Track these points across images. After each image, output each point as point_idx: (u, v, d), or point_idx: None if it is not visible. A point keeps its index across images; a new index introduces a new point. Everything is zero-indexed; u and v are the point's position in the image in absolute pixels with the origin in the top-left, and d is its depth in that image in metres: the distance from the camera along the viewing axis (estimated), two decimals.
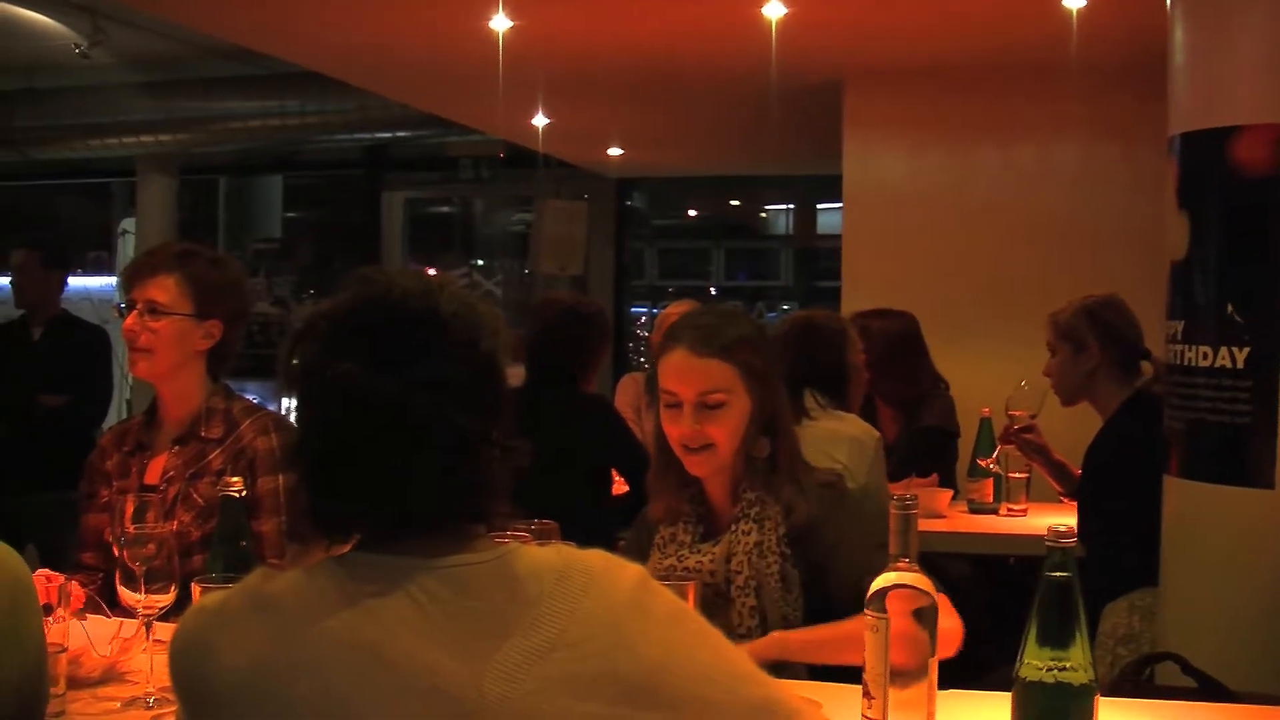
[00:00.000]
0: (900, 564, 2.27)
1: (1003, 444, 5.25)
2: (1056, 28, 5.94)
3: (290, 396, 1.79)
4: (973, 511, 5.61)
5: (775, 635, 2.81)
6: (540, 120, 8.90)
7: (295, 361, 1.78)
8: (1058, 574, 2.06)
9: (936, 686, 2.29)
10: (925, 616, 2.25)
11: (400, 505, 1.72)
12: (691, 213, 17.99)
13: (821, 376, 4.49)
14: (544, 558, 1.76)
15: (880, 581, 2.26)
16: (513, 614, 1.68)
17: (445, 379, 1.72)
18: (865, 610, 2.27)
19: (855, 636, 2.64)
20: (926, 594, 2.25)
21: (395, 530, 1.73)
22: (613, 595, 1.73)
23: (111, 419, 7.36)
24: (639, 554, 3.10)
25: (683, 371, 2.97)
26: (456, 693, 1.63)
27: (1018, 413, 5.09)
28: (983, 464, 5.56)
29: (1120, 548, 4.32)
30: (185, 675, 1.73)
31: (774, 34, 6.14)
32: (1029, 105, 7.24)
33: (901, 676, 2.23)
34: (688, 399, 2.95)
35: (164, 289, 3.49)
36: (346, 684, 1.63)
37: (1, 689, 1.65)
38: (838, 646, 2.71)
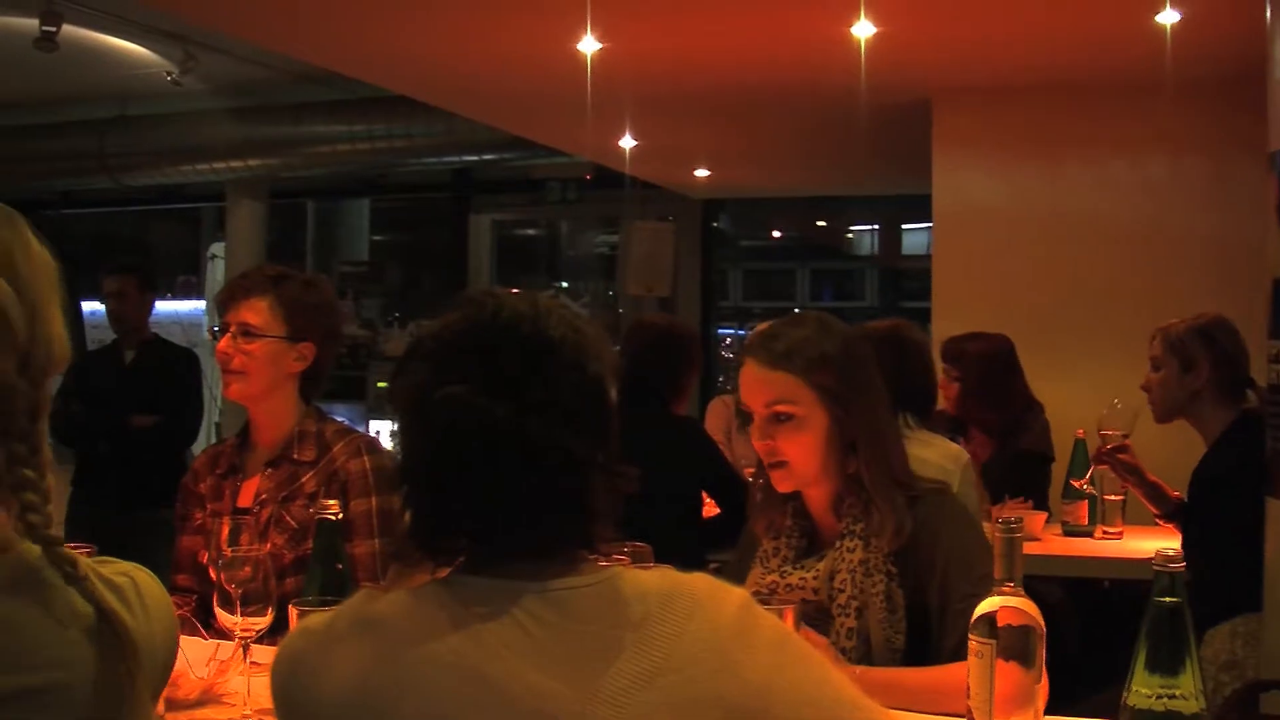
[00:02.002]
0: (1005, 588, 2.23)
1: (1096, 464, 5.17)
2: (1149, 43, 5.87)
3: (397, 418, 1.78)
4: (1067, 534, 5.55)
5: (857, 671, 2.72)
6: (627, 142, 8.90)
7: (403, 383, 1.76)
8: (1167, 599, 2.01)
9: (1042, 714, 2.25)
10: (1031, 641, 2.20)
11: (507, 528, 1.72)
12: (775, 233, 17.97)
13: (910, 394, 4.41)
14: (649, 581, 1.75)
15: (985, 606, 2.22)
16: (618, 638, 1.67)
17: (554, 402, 1.71)
18: (970, 635, 2.23)
19: (939, 688, 2.61)
20: (1032, 618, 2.20)
21: (501, 553, 1.72)
22: (717, 619, 1.72)
23: (201, 441, 7.42)
24: (742, 570, 3.08)
25: (749, 383, 2.94)
26: (562, 716, 1.61)
27: (1110, 432, 5.01)
28: (1076, 485, 5.49)
29: (1223, 572, 4.24)
30: (289, 696, 1.72)
31: (863, 53, 6.11)
32: (1121, 121, 7.15)
33: (1007, 703, 2.19)
34: (756, 411, 2.92)
35: (257, 311, 3.51)
36: (452, 707, 1.62)
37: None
38: (916, 695, 2.66)
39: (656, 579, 1.76)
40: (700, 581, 1.77)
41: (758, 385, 2.92)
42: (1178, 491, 4.85)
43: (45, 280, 1.61)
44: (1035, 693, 2.21)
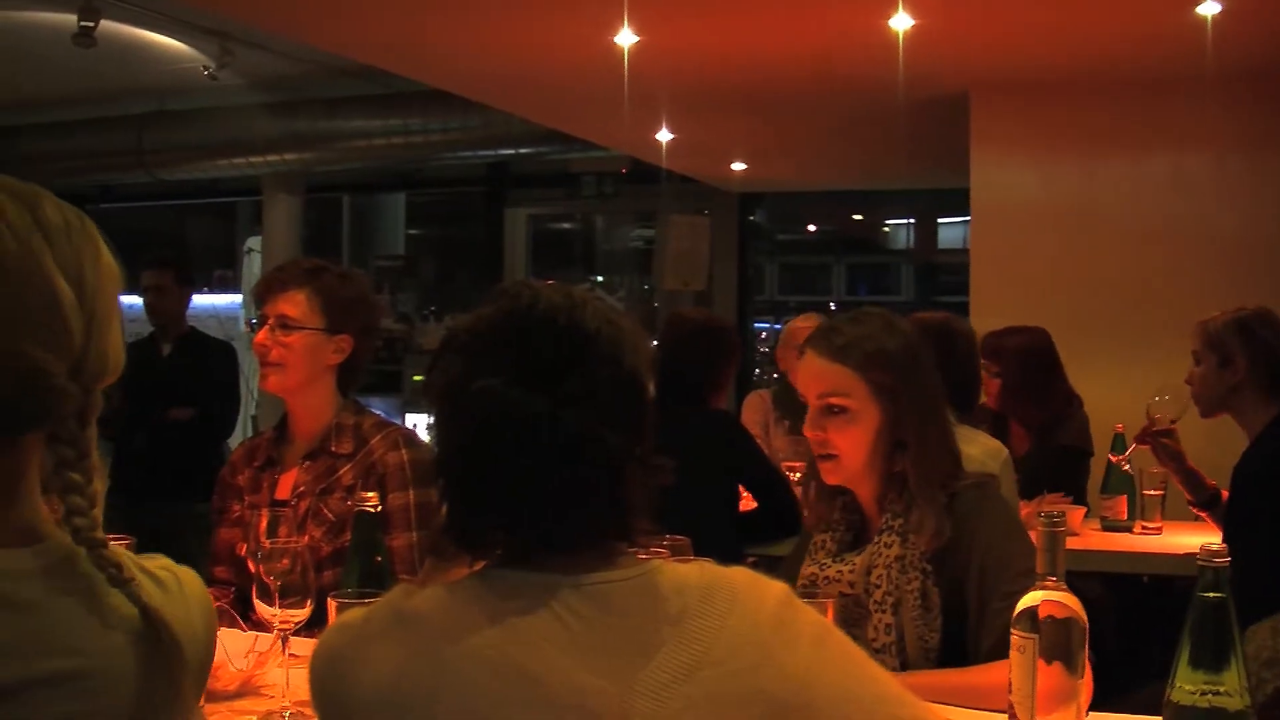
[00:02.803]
0: (1048, 582, 2.21)
1: (1138, 444, 5.12)
2: (1190, 36, 5.84)
3: (433, 411, 1.78)
4: (1106, 529, 5.52)
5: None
6: (664, 135, 8.90)
7: (438, 375, 1.76)
8: (1211, 595, 1.99)
9: (1085, 710, 2.23)
10: (1074, 636, 2.18)
11: (544, 522, 1.70)
12: (811, 227, 17.95)
13: (955, 388, 4.34)
14: (688, 575, 1.74)
15: (1028, 600, 2.20)
16: (658, 632, 1.66)
17: (590, 395, 1.70)
18: (1012, 629, 2.21)
19: (980, 689, 2.59)
20: (1075, 613, 2.18)
21: (538, 547, 1.72)
22: (758, 613, 1.71)
23: (238, 434, 7.44)
24: (797, 562, 3.11)
25: (807, 373, 2.95)
26: (603, 711, 1.61)
27: (1158, 416, 4.97)
28: (1115, 460, 5.45)
29: (1265, 568, 4.20)
30: (327, 690, 1.72)
31: (901, 46, 6.09)
32: (1161, 115, 7.11)
33: (1049, 698, 2.17)
34: (811, 401, 2.93)
35: (295, 304, 3.51)
36: (491, 701, 1.61)
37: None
38: (956, 696, 2.65)
39: (695, 572, 1.75)
40: (739, 575, 1.76)
41: (814, 376, 2.93)
42: (1214, 480, 4.81)
43: (109, 290, 1.61)
44: (1078, 689, 2.19)
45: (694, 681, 1.63)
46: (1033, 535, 2.29)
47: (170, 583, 1.63)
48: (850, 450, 2.91)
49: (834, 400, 2.89)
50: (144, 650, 1.54)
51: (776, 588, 1.77)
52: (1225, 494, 4.86)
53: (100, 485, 1.57)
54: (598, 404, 1.70)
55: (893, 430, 2.91)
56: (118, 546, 1.57)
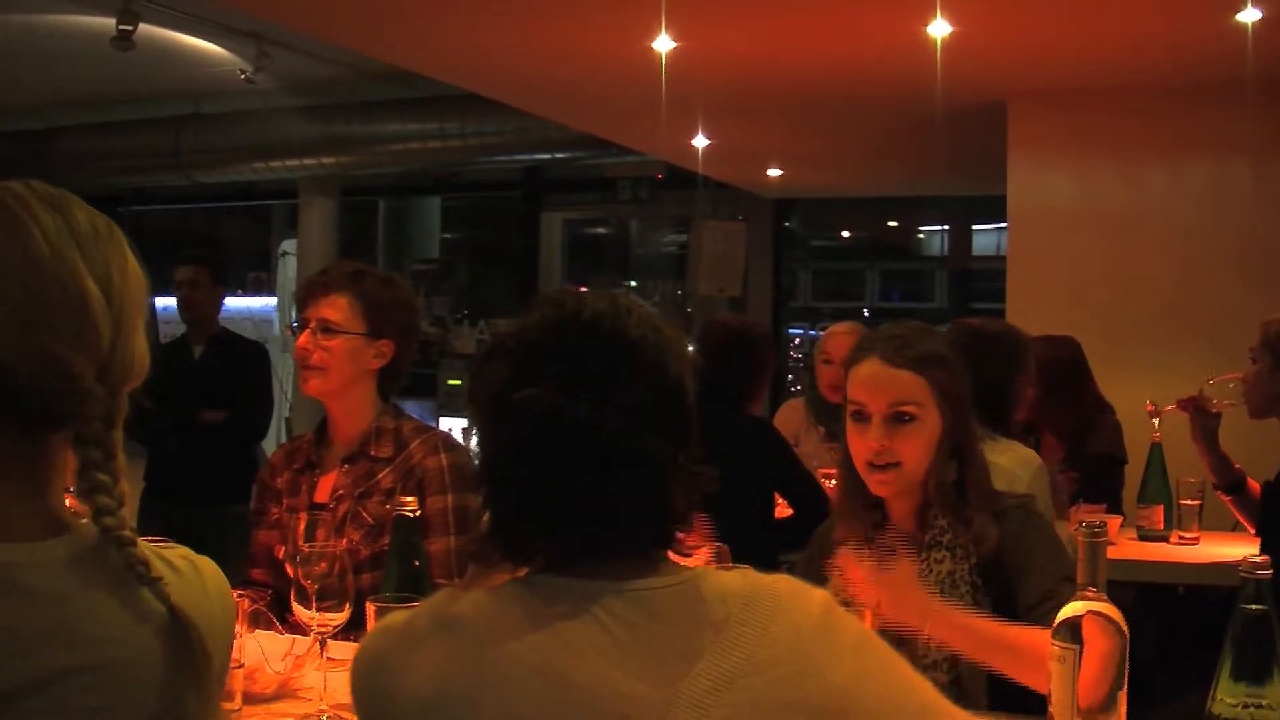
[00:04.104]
0: (1088, 593, 2.20)
1: (1179, 407, 5.07)
2: (1229, 43, 5.81)
3: (477, 418, 1.78)
4: (1142, 539, 5.48)
5: (935, 606, 2.71)
6: (700, 141, 8.90)
7: (483, 382, 1.76)
8: (1254, 607, 1.98)
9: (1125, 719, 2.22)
10: (1115, 647, 2.17)
11: (588, 529, 1.71)
12: (845, 234, 17.92)
13: (981, 397, 4.26)
14: (730, 582, 1.74)
15: (1068, 610, 2.19)
16: (700, 639, 1.67)
17: (635, 402, 1.70)
18: (1053, 640, 2.20)
19: (1013, 645, 2.58)
20: (1116, 624, 2.18)
21: (581, 553, 1.72)
22: (800, 621, 1.71)
23: (271, 437, 7.43)
24: (813, 571, 3.03)
25: (874, 382, 2.90)
26: (645, 717, 1.61)
27: (1211, 397, 4.94)
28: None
29: None
30: (368, 694, 1.73)
31: (938, 53, 6.08)
32: (1199, 122, 7.07)
33: (1089, 709, 2.17)
34: (877, 410, 2.88)
35: (337, 308, 3.53)
36: (533, 707, 1.61)
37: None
38: (989, 646, 2.63)
39: (738, 580, 1.75)
40: (782, 583, 1.76)
41: (882, 385, 2.89)
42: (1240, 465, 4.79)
43: (136, 295, 1.64)
44: (1118, 699, 2.18)
45: (736, 689, 1.63)
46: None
47: (188, 571, 1.66)
48: (916, 458, 2.88)
49: (906, 409, 2.86)
50: (171, 645, 1.56)
51: (819, 595, 1.77)
52: (1252, 482, 4.85)
53: (127, 486, 1.60)
54: (642, 411, 1.71)
55: (951, 436, 2.90)
56: (139, 539, 1.59)
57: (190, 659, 1.57)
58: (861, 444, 2.91)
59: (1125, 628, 2.19)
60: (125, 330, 1.60)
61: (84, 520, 1.57)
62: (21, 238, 1.54)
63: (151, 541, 1.64)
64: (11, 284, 1.52)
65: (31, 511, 1.54)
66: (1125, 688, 2.21)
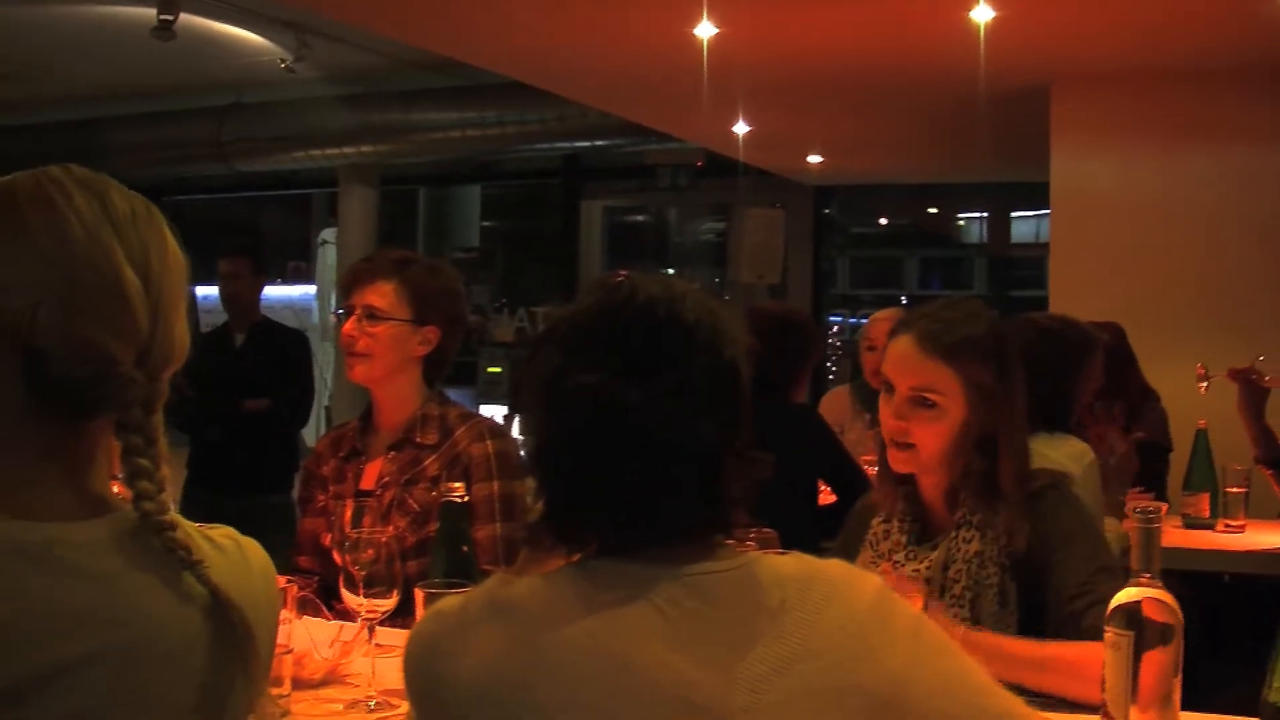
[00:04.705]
0: (1143, 579, 2.18)
1: (1229, 376, 5.02)
2: (1274, 26, 5.76)
3: (530, 403, 1.76)
4: (1188, 527, 5.45)
5: (961, 631, 2.66)
6: (741, 128, 8.87)
7: (536, 367, 1.75)
8: None
9: (1180, 708, 2.20)
10: (1170, 634, 2.15)
11: (643, 515, 1.70)
12: (883, 221, 17.89)
13: (1041, 393, 4.17)
14: (786, 567, 1.73)
15: (1123, 596, 2.17)
16: (756, 624, 1.66)
17: (690, 387, 1.69)
18: (1106, 627, 2.18)
19: (1045, 664, 2.56)
20: (1173, 611, 2.15)
21: (636, 538, 1.71)
22: (855, 606, 1.69)
23: (309, 425, 7.45)
24: (849, 553, 3.05)
25: (901, 361, 2.88)
26: (703, 702, 1.60)
27: (1265, 374, 4.89)
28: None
29: None
30: (422, 679, 1.72)
31: (982, 38, 6.04)
32: (1244, 106, 7.02)
33: (1144, 698, 2.14)
34: (899, 390, 2.87)
35: (383, 295, 3.53)
36: (589, 691, 1.61)
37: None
38: (1021, 666, 2.60)
39: (793, 565, 1.74)
40: (836, 568, 1.75)
41: (907, 366, 2.87)
42: None
43: (175, 279, 1.64)
44: (1174, 688, 2.16)
45: (792, 674, 1.62)
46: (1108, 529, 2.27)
47: (232, 550, 1.66)
48: (930, 444, 2.86)
49: (926, 395, 2.84)
50: (215, 625, 1.57)
51: (873, 580, 1.76)
52: None
53: (168, 471, 1.60)
54: (696, 396, 1.69)
55: (978, 428, 2.85)
56: (180, 519, 1.60)
57: (234, 639, 1.58)
58: (884, 416, 2.92)
59: (1180, 616, 2.16)
60: (164, 315, 1.60)
61: (127, 503, 1.58)
62: (58, 223, 1.54)
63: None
64: (47, 270, 1.53)
65: (75, 493, 1.55)
66: (1180, 675, 2.19)
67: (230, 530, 1.70)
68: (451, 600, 1.76)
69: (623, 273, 1.80)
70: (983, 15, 5.86)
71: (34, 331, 1.50)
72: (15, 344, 1.51)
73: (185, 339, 1.65)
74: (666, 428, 1.67)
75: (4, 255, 1.53)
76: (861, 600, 1.71)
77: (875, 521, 3.06)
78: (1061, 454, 4.02)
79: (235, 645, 1.58)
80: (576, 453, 1.71)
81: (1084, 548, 2.79)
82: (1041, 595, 2.78)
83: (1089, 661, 2.34)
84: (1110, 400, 5.55)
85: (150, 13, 8.30)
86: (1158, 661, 2.15)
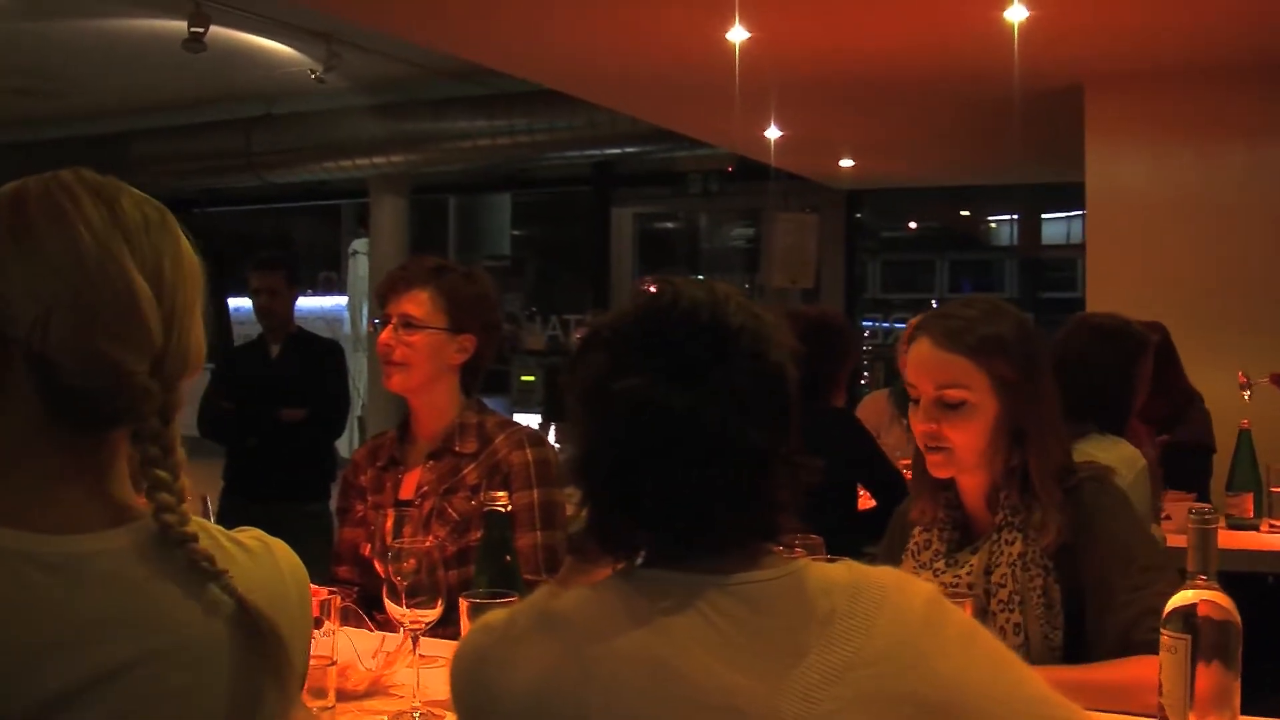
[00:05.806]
0: (1199, 581, 2.15)
1: (1272, 381, 4.99)
2: None
3: (574, 410, 1.74)
4: (1231, 527, 5.40)
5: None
6: (773, 132, 8.86)
7: (581, 374, 1.73)
8: None
9: (1239, 712, 2.17)
10: (1229, 636, 2.12)
11: (691, 522, 1.67)
12: (913, 224, 17.88)
13: (1091, 393, 4.08)
14: (835, 575, 1.70)
15: (1179, 599, 2.14)
16: (807, 632, 1.63)
17: (735, 392, 1.66)
18: (1163, 630, 2.15)
19: (1095, 687, 2.50)
20: (1230, 613, 2.12)
21: (683, 546, 1.68)
22: (907, 613, 1.67)
23: (345, 435, 7.47)
24: (893, 553, 3.03)
25: (922, 364, 2.84)
26: (754, 712, 1.57)
27: None
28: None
29: None
30: (471, 692, 1.70)
31: (1015, 38, 6.02)
32: (1278, 103, 6.98)
33: (1206, 700, 2.11)
34: (925, 393, 2.82)
35: (419, 303, 3.51)
36: (640, 701, 1.59)
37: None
38: (1073, 692, 2.56)
39: (842, 572, 1.71)
40: (887, 575, 1.73)
41: (931, 366, 2.82)
42: None
43: (190, 286, 1.61)
44: (1233, 691, 2.12)
45: (844, 683, 1.60)
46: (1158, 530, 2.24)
47: (260, 553, 1.64)
48: (965, 444, 2.80)
49: (952, 393, 2.78)
50: (243, 633, 1.55)
51: (924, 587, 1.73)
52: None
53: (187, 481, 1.58)
54: (742, 401, 1.67)
55: (1010, 422, 2.80)
56: (206, 524, 1.59)
57: (263, 648, 1.56)
58: (915, 424, 2.87)
59: (1238, 618, 2.13)
60: (179, 322, 1.58)
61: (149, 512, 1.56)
62: (67, 232, 1.52)
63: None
64: (57, 280, 1.51)
65: (97, 503, 1.53)
66: (1239, 678, 2.15)
67: (258, 532, 1.68)
68: (499, 613, 1.74)
69: (659, 279, 1.78)
70: (1017, 15, 5.84)
71: (45, 342, 1.48)
72: (27, 355, 1.49)
73: (202, 346, 1.62)
74: (713, 431, 1.65)
75: (14, 266, 1.51)
76: (913, 608, 1.68)
77: (916, 531, 3.01)
78: (1112, 456, 3.94)
79: (265, 654, 1.56)
80: (622, 459, 1.69)
81: (1129, 545, 2.74)
82: (1082, 594, 2.73)
83: (1143, 685, 2.30)
84: (1155, 401, 5.51)
85: (181, 25, 8.33)
86: (1216, 664, 2.11)
